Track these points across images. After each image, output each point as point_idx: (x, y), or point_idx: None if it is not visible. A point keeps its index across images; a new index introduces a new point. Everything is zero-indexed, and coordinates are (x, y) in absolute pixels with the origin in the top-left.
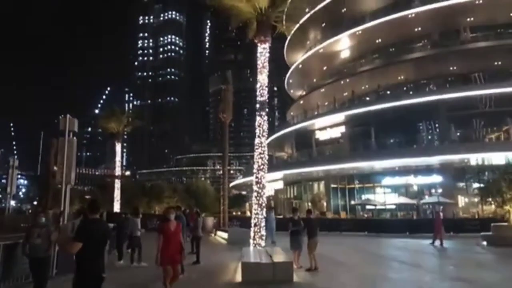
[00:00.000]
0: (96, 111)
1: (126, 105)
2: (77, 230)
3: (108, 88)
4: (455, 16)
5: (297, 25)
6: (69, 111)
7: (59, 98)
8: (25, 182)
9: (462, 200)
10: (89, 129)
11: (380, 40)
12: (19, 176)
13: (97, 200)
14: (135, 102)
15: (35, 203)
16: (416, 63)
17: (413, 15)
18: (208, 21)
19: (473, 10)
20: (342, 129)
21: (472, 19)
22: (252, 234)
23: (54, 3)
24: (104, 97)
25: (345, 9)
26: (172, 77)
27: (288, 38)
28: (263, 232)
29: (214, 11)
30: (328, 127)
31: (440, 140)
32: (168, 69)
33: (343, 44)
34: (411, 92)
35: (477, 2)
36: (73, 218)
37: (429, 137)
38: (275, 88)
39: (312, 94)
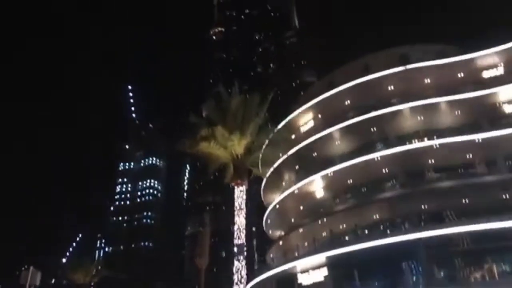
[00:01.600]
0: (64, 259)
1: (97, 252)
2: None
3: (80, 235)
4: (417, 158)
5: (272, 169)
6: (33, 261)
7: (24, 246)
8: None
9: None
10: (53, 281)
11: (351, 180)
12: None
13: None
14: (106, 249)
15: None
16: (388, 202)
17: (378, 158)
18: (187, 165)
19: (432, 153)
20: (325, 271)
21: (433, 161)
22: None
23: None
24: (74, 244)
25: (315, 153)
26: (148, 221)
27: (264, 180)
28: None
29: (193, 157)
30: (310, 269)
31: (426, 281)
32: (145, 213)
33: (316, 185)
34: (388, 231)
35: (434, 147)
36: None
37: (414, 278)
38: (254, 229)
39: (291, 235)
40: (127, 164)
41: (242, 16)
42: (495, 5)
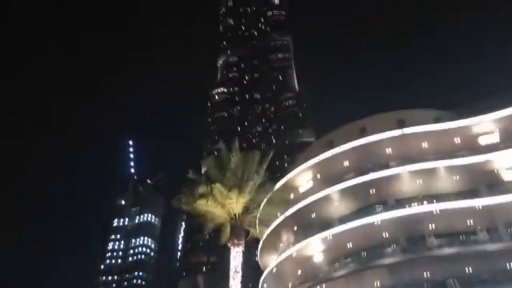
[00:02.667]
0: None
1: None
2: None
3: None
4: (417, 223)
5: (269, 230)
6: None
7: None
8: None
9: None
10: None
11: (351, 244)
12: None
13: None
14: None
15: None
16: (389, 269)
17: (379, 222)
18: (183, 223)
19: (432, 218)
20: None
21: (433, 226)
22: None
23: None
24: None
25: (314, 214)
26: (139, 281)
27: (261, 241)
28: None
29: (189, 215)
30: None
31: None
32: (136, 273)
33: (315, 248)
34: None
35: (434, 212)
36: None
37: None
38: None
39: None
40: (121, 220)
41: (244, 78)
42: (490, 72)
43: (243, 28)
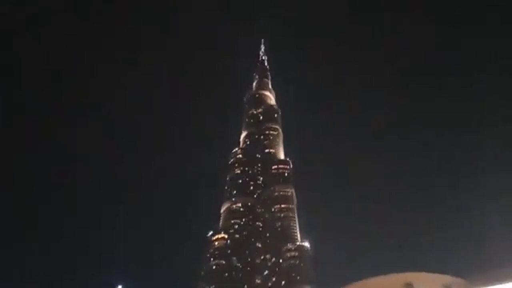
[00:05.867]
0: None
1: None
2: None
3: None
4: None
5: None
6: None
7: None
8: None
9: None
10: None
11: None
12: None
13: None
14: None
15: None
16: None
17: None
18: None
19: None
20: None
21: None
22: None
23: None
24: None
25: None
26: None
27: None
28: None
29: None
30: None
31: None
32: None
33: None
34: None
35: None
36: None
37: None
38: None
39: None
40: None
41: (247, 225)
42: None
43: (249, 178)
